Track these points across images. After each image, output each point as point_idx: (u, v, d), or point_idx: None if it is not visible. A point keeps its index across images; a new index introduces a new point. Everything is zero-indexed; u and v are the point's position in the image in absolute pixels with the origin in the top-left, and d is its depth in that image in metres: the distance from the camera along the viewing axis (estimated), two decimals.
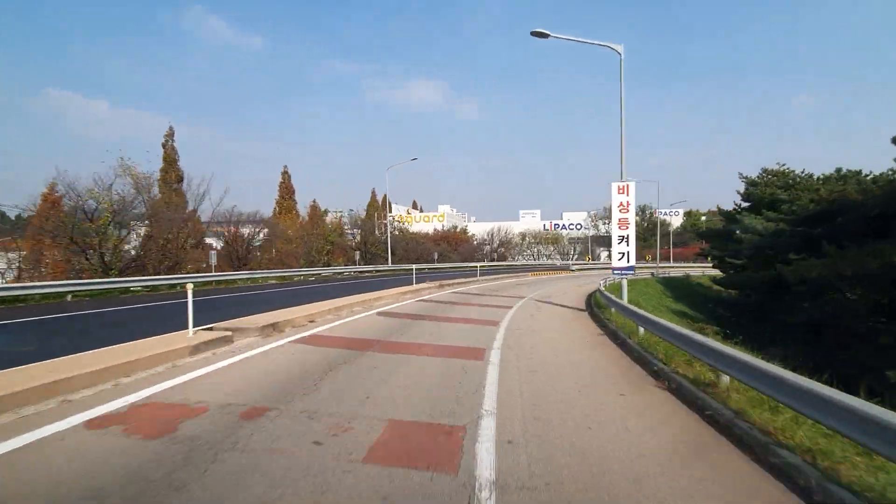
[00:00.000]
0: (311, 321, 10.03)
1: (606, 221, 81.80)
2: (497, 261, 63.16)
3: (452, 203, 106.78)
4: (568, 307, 15.83)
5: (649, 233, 77.77)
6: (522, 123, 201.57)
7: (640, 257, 67.62)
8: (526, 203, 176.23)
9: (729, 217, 29.32)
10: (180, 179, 38.43)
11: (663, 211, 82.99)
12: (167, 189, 37.11)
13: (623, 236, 13.60)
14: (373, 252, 38.26)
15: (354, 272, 30.65)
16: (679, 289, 34.02)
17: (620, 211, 13.48)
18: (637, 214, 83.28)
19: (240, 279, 22.08)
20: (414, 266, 21.79)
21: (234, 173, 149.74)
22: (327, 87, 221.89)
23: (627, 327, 10.15)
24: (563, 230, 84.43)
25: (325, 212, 46.26)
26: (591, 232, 77.67)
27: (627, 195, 13.40)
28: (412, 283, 20.89)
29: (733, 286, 25.34)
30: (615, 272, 14.04)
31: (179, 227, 24.93)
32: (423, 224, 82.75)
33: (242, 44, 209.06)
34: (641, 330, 9.24)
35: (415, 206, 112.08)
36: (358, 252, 31.52)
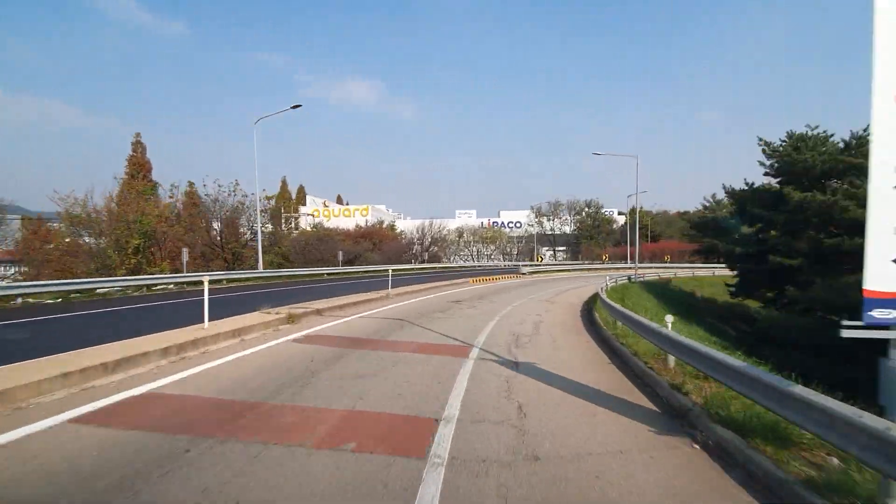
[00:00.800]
0: None
1: (552, 218, 74.29)
2: (430, 262, 52.59)
3: (388, 203, 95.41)
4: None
5: (596, 230, 71.30)
6: (459, 125, 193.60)
7: (595, 257, 60.45)
8: (462, 204, 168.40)
9: (751, 197, 20.69)
10: None
11: (611, 211, 77.05)
12: None
13: None
14: (237, 252, 25.62)
15: (178, 284, 18.22)
16: (672, 298, 25.30)
17: None
18: (580, 212, 76.36)
19: None
20: (211, 276, 10.21)
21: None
22: (256, 80, 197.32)
23: None
24: (505, 228, 75.81)
25: (157, 190, 31.36)
26: (536, 229, 69.61)
27: None
28: (219, 315, 9.30)
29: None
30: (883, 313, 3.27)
31: None
32: (344, 219, 70.19)
33: (161, 28, 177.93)
34: None
35: (339, 201, 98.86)
36: (187, 250, 19.18)
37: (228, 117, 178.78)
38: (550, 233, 73.23)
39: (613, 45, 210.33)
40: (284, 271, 24.83)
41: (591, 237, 68.99)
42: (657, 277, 33.11)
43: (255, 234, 26.38)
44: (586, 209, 72.49)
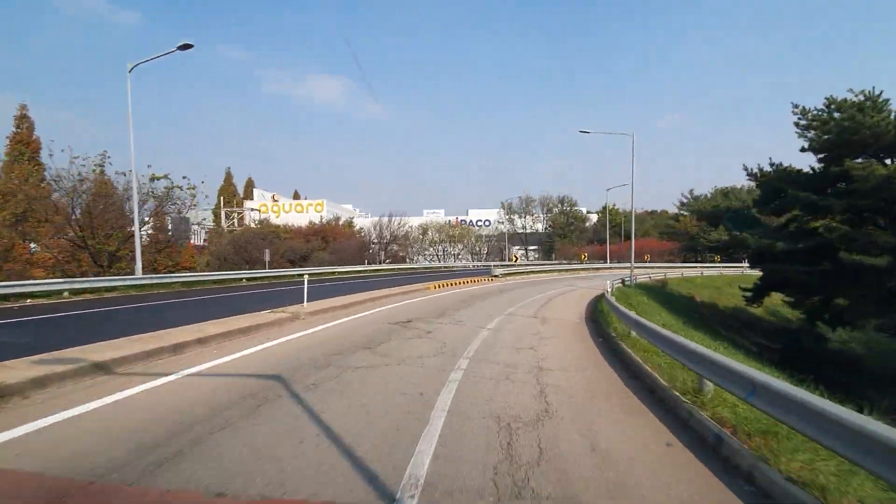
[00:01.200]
0: None
1: (523, 215, 69.98)
2: (394, 262, 46.82)
3: (355, 203, 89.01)
4: None
5: (569, 228, 67.49)
6: (429, 125, 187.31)
7: (572, 256, 56.34)
8: (431, 203, 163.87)
9: (785, 179, 16.24)
10: None
11: (580, 210, 73.39)
12: None
13: None
14: (103, 250, 18.72)
15: None
16: (680, 306, 20.77)
17: None
18: (552, 210, 72.24)
19: None
20: None
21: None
22: (216, 74, 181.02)
23: None
24: (474, 227, 70.88)
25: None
26: (507, 227, 65.02)
27: None
28: None
29: None
30: None
31: None
32: (297, 215, 63.43)
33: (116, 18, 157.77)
34: None
35: (297, 198, 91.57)
36: None
37: (183, 112, 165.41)
38: (522, 231, 68.86)
39: (589, 41, 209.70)
40: (179, 276, 18.48)
41: (564, 235, 65.08)
42: (648, 279, 28.89)
43: (154, 225, 19.90)
44: (559, 206, 68.57)
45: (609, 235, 64.03)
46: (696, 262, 54.66)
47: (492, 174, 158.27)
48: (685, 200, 62.01)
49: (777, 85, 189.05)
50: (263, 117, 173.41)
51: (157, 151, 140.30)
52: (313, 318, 10.73)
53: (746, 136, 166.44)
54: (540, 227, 69.16)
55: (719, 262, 50.26)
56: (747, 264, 47.82)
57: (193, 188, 21.96)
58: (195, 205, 22.90)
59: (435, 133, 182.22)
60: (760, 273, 18.88)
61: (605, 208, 74.86)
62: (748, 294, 20.01)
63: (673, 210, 71.81)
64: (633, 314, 8.61)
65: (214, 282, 19.92)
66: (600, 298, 18.11)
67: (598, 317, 12.17)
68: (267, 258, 25.40)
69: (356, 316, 11.52)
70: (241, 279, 21.74)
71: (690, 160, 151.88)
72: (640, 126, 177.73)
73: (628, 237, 66.67)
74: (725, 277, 36.78)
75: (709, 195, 60.06)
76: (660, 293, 22.73)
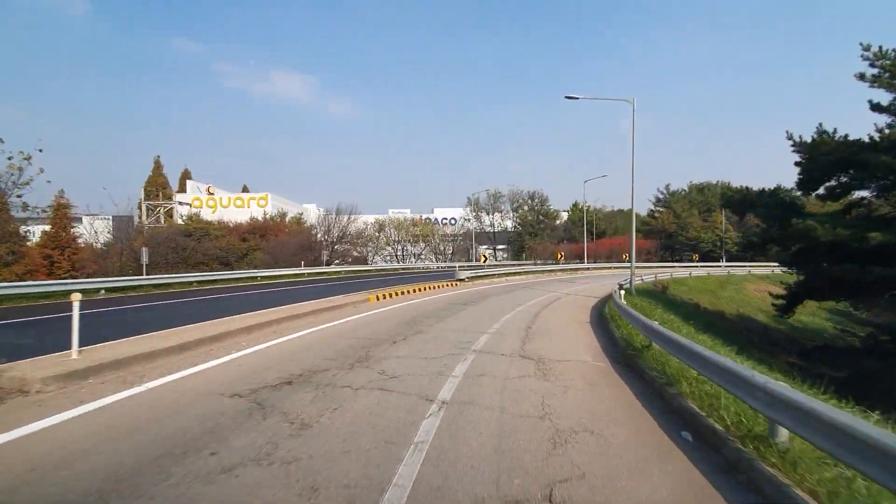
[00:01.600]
0: None
1: (491, 212, 65.27)
2: (342, 263, 40.87)
3: (319, 202, 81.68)
4: None
5: (540, 226, 63.30)
6: (399, 123, 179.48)
7: (548, 256, 52.09)
8: (397, 202, 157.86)
9: (861, 149, 11.83)
10: None
11: (552, 207, 69.31)
12: None
13: None
14: None
15: None
16: (698, 317, 16.22)
17: None
18: (521, 206, 67.85)
19: None
20: None
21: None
22: (170, 68, 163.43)
23: None
24: (438, 225, 65.60)
25: None
26: (473, 224, 60.10)
27: None
28: None
29: None
30: None
31: None
32: (237, 210, 56.09)
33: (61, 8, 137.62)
34: None
35: (245, 192, 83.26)
36: None
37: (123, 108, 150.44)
38: (490, 229, 64.16)
39: (562, 38, 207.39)
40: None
41: (534, 234, 60.84)
42: (641, 281, 24.53)
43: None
44: (530, 202, 64.30)
45: (580, 234, 60.30)
46: (674, 261, 51.73)
47: (460, 173, 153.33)
48: (661, 196, 59.22)
49: (742, 85, 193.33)
50: (221, 113, 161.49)
51: (125, 150, 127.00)
52: (68, 388, 5.03)
53: (720, 136, 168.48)
54: (509, 224, 64.67)
55: (698, 262, 47.32)
56: (726, 263, 45.15)
57: (28, 157, 15.58)
58: (26, 184, 16.43)
59: (408, 132, 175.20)
60: (774, 271, 14.61)
61: (576, 204, 70.69)
62: (780, 303, 15.75)
63: (643, 208, 69.11)
64: (798, 395, 3.47)
65: (40, 294, 13.58)
66: (603, 312, 13.26)
67: (634, 357, 7.06)
68: (144, 260, 19.00)
69: (185, 373, 5.89)
70: (100, 289, 15.35)
71: (660, 159, 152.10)
72: (612, 124, 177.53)
73: (600, 236, 63.39)
74: (715, 279, 33.25)
75: (683, 191, 57.51)
76: (664, 300, 18.19)
